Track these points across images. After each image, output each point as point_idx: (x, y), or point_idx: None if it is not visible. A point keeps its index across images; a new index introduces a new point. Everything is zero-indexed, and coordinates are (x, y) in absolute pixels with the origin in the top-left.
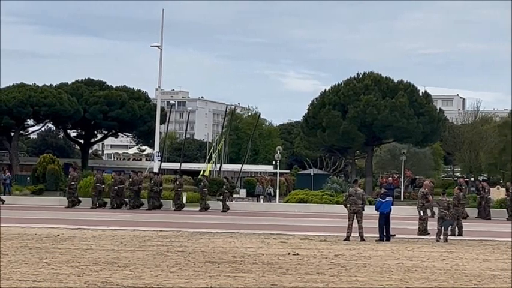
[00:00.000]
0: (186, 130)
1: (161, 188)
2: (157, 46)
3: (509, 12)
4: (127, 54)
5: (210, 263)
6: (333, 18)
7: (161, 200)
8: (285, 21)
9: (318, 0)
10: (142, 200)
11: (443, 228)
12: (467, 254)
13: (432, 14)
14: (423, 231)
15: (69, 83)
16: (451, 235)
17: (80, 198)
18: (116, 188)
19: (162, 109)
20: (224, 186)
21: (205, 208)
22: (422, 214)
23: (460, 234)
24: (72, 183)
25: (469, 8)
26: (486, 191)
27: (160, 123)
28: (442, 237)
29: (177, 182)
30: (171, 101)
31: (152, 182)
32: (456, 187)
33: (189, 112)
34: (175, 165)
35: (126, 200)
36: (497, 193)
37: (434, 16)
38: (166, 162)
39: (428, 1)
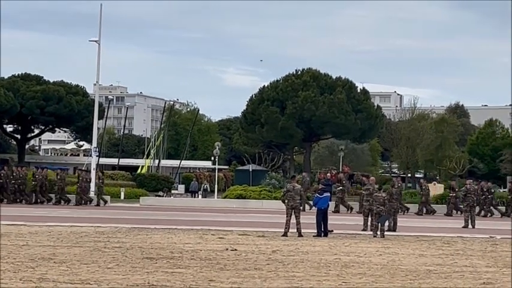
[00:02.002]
0: (124, 125)
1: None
2: (95, 41)
3: (443, 11)
4: (65, 49)
5: (147, 259)
6: (270, 14)
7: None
8: (223, 16)
9: None
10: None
11: (379, 223)
12: (404, 250)
13: (368, 11)
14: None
15: (6, 77)
16: (387, 230)
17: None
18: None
19: (100, 104)
20: (100, 180)
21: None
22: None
23: (394, 230)
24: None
25: (405, 5)
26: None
27: (98, 119)
28: (378, 232)
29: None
30: (109, 96)
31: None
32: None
33: (127, 107)
34: (113, 161)
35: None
36: (433, 189)
37: (370, 13)
38: (104, 157)
39: None
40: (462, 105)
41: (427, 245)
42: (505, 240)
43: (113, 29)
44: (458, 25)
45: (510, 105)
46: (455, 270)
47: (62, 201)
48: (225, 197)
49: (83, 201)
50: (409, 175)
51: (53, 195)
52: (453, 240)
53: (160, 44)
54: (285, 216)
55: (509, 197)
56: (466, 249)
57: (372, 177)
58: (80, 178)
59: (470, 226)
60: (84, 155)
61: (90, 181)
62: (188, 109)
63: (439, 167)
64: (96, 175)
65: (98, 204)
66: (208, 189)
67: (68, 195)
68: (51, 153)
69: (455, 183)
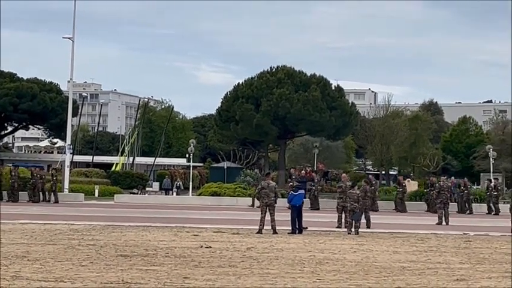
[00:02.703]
0: (99, 123)
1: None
2: (69, 38)
3: (417, 8)
4: (38, 46)
5: (121, 257)
6: (245, 11)
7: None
8: (198, 13)
9: None
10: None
11: (353, 220)
12: (378, 246)
13: (342, 9)
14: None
15: None
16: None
17: None
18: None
19: (74, 101)
20: (54, 178)
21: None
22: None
23: (368, 227)
24: None
25: (379, 3)
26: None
27: (72, 116)
28: (353, 229)
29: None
30: (83, 94)
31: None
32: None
33: (101, 105)
34: (87, 158)
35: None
36: (408, 186)
37: (345, 10)
38: (79, 155)
39: None
40: (436, 102)
41: (401, 241)
42: (479, 237)
43: (87, 26)
44: (432, 23)
45: (484, 102)
46: (429, 266)
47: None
48: (199, 195)
49: (35, 198)
50: (383, 172)
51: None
52: (427, 236)
53: (135, 41)
54: (260, 213)
55: (461, 194)
56: (440, 245)
57: (343, 174)
58: (34, 175)
59: (444, 223)
60: (58, 153)
61: (43, 178)
62: (163, 106)
63: (413, 164)
64: (50, 172)
65: (48, 200)
66: (182, 187)
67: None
68: (25, 151)
69: (402, 178)
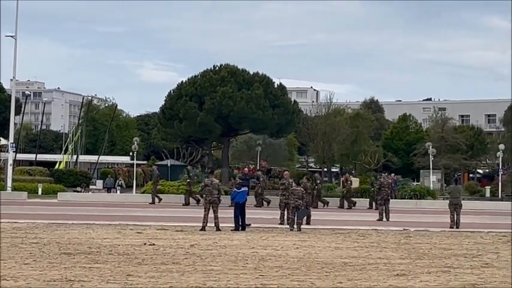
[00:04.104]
0: (42, 121)
1: None
2: (11, 36)
3: (359, 5)
4: None
5: (65, 255)
6: (189, 8)
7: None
8: (141, 10)
9: None
10: None
11: (298, 217)
12: (320, 243)
13: (287, 6)
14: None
15: None
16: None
17: None
18: None
19: (17, 100)
20: None
21: None
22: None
23: (308, 223)
24: None
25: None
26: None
27: (15, 114)
28: (295, 226)
29: None
30: (27, 92)
31: None
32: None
33: (44, 103)
34: (30, 157)
35: None
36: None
37: (290, 7)
38: (22, 153)
39: None
40: (377, 100)
41: (342, 237)
42: (419, 233)
43: (29, 23)
44: (373, 20)
45: (423, 100)
46: (369, 262)
47: None
48: (143, 192)
49: None
50: (326, 169)
51: None
52: (368, 232)
53: (79, 38)
54: (203, 210)
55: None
56: (381, 241)
57: (285, 172)
58: None
59: (384, 219)
60: (1, 151)
61: None
62: (106, 104)
63: (355, 161)
64: None
65: None
66: (124, 185)
67: None
68: None
69: (318, 175)
